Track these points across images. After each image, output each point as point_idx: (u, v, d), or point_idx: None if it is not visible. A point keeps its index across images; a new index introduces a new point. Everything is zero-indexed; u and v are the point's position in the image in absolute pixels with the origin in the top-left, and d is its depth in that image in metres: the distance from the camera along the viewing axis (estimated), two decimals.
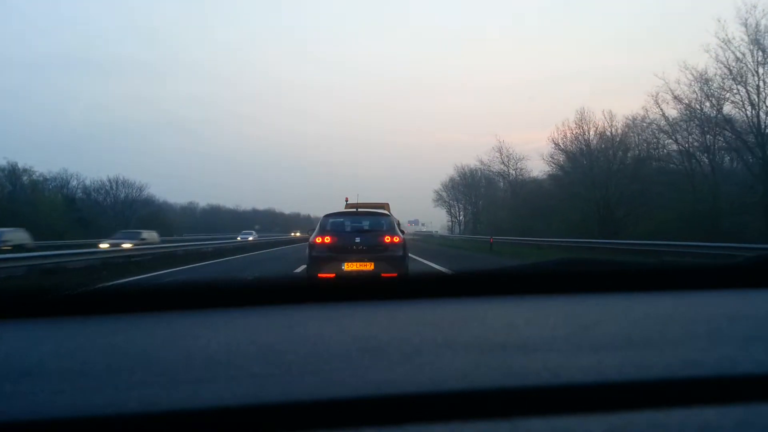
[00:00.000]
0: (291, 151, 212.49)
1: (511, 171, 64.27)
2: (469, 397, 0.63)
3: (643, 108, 34.56)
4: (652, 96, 31.72)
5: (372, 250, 8.85)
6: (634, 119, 36.96)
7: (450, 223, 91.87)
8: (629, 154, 37.89)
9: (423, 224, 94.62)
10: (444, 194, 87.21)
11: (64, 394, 0.64)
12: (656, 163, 35.04)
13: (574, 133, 42.60)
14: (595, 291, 1.20)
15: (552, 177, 46.22)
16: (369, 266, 8.61)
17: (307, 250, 9.28)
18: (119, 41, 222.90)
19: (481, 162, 68.22)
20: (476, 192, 78.07)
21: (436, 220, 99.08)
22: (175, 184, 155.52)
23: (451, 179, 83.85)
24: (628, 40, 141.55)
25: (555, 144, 44.26)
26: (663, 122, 32.55)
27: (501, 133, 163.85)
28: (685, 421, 0.59)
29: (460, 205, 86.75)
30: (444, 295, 1.15)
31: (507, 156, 64.15)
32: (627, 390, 0.65)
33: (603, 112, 47.41)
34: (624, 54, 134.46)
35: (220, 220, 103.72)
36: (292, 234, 73.80)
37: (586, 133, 41.80)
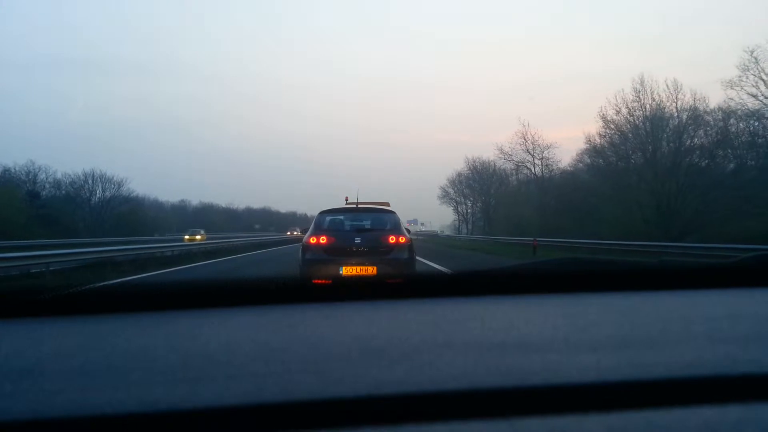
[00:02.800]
0: (289, 151, 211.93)
1: (536, 161, 52.61)
2: (469, 396, 0.63)
3: (739, 67, 26.88)
4: (747, 51, 25.96)
5: (374, 251, 7.83)
6: (726, 82, 27.86)
7: (457, 222, 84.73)
8: (701, 133, 29.36)
9: (422, 224, 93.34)
10: (450, 190, 78.55)
11: (64, 393, 0.64)
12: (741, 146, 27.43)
13: (630, 107, 32.31)
14: (595, 291, 1.20)
15: (593, 167, 36.91)
16: (371, 270, 7.63)
17: (299, 252, 8.22)
18: (113, 41, 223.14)
19: (501, 151, 55.39)
20: (489, 187, 68.48)
21: (436, 219, 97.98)
22: (169, 182, 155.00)
23: (459, 174, 75.43)
24: (629, 40, 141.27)
25: (604, 121, 33.69)
26: (763, 88, 25.63)
27: (501, 133, 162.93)
28: (684, 421, 0.59)
29: (468, 202, 77.85)
30: (444, 295, 1.15)
31: (532, 143, 52.02)
32: (626, 390, 0.65)
33: (666, 81, 32.42)
34: (624, 55, 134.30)
35: (214, 219, 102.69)
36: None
37: (646, 108, 31.84)
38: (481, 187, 71.73)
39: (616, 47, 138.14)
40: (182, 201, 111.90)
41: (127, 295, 1.12)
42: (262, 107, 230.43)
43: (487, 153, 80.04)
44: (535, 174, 52.83)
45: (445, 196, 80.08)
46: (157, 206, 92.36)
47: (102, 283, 1.32)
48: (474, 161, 71.81)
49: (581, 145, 47.68)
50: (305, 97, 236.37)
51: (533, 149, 52.23)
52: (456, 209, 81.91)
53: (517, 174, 58.01)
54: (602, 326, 0.90)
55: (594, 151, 36.21)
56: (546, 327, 0.90)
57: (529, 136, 52.19)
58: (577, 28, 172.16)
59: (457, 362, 0.72)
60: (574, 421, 0.59)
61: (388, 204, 10.38)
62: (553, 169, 50.96)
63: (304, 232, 8.20)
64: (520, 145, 52.77)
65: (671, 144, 30.06)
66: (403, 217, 8.71)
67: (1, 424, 0.58)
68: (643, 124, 31.72)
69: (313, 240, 7.99)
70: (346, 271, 7.57)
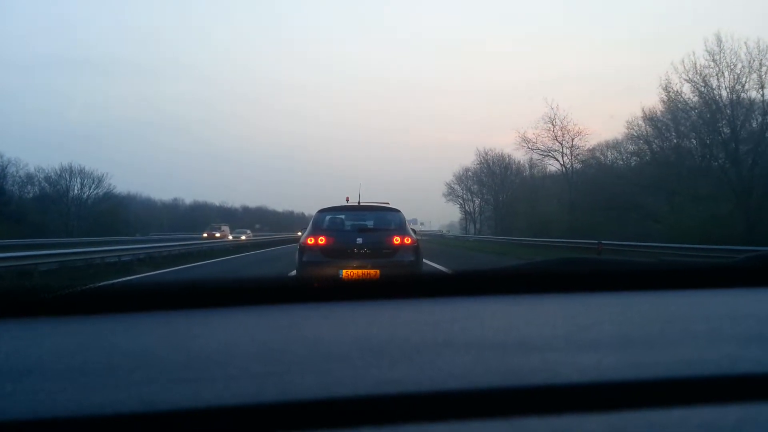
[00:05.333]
0: (287, 150, 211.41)
1: (564, 150, 44.04)
2: (469, 396, 0.63)
3: None
4: None
5: (377, 253, 7.34)
6: None
7: (464, 221, 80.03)
8: None
9: (422, 223, 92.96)
10: (457, 187, 73.46)
11: (65, 393, 0.64)
12: None
13: (702, 74, 24.92)
14: (595, 290, 1.19)
15: (642, 153, 30.85)
16: (373, 274, 6.74)
17: (296, 254, 7.75)
18: (110, 40, 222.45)
19: (524, 139, 46.03)
20: (501, 182, 63.26)
21: (435, 219, 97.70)
22: (164, 181, 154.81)
23: (466, 170, 70.46)
24: (628, 40, 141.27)
25: (667, 93, 27.48)
26: None
27: (501, 133, 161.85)
28: (684, 421, 0.59)
29: (476, 199, 72.51)
30: (444, 295, 1.15)
31: (561, 130, 43.46)
32: (626, 389, 0.65)
33: (746, 43, 24.95)
34: (622, 55, 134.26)
35: (208, 217, 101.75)
36: None
37: (725, 76, 24.39)
38: (493, 182, 65.84)
39: (616, 46, 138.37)
40: (175, 199, 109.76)
41: (127, 295, 1.12)
42: (263, 107, 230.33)
43: (530, 126, 71.70)
44: (563, 165, 44.53)
45: (450, 193, 75.02)
46: (149, 204, 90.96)
47: (102, 283, 1.32)
48: (486, 153, 66.00)
49: (589, 144, 43.27)
50: (304, 97, 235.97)
51: (562, 136, 43.67)
52: (463, 207, 76.76)
53: (530, 169, 52.42)
54: (602, 326, 0.90)
55: (638, 137, 30.47)
56: (546, 327, 0.90)
57: (557, 120, 43.71)
58: (576, 28, 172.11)
59: (457, 362, 0.72)
60: (574, 421, 0.59)
61: (388, 204, 10.20)
62: (583, 160, 43.31)
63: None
64: (547, 131, 44.29)
65: (756, 121, 23.96)
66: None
67: (1, 424, 0.58)
68: (720, 96, 24.47)
69: (310, 240, 7.49)
70: (346, 274, 6.93)
